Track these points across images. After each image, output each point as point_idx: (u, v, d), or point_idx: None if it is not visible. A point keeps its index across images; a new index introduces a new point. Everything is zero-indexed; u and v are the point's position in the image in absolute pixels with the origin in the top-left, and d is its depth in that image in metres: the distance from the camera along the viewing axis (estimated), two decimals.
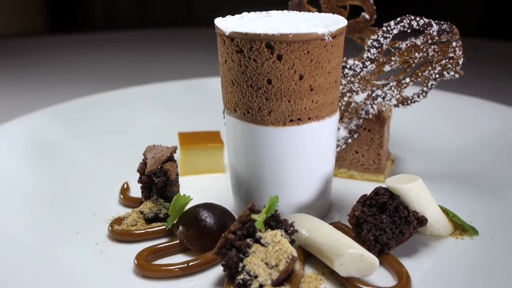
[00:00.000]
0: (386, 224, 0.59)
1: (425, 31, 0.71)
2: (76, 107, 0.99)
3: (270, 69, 0.58)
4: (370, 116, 0.77)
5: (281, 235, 0.53)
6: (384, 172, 0.81)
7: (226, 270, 0.53)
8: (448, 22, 0.69)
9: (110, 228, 0.65)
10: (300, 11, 0.79)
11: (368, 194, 0.63)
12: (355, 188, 0.78)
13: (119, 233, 0.64)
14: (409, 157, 0.90)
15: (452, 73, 0.71)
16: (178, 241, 0.61)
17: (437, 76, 0.72)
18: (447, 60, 0.71)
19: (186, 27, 2.24)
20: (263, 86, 0.59)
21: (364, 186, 0.79)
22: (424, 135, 0.96)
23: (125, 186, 0.76)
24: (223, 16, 0.66)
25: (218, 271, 0.58)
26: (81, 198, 0.75)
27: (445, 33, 0.70)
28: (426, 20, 0.70)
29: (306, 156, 0.64)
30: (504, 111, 0.98)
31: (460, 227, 0.66)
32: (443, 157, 0.89)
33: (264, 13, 0.69)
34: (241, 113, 0.63)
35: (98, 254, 0.61)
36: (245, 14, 0.69)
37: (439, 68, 0.72)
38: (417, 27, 0.71)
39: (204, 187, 0.78)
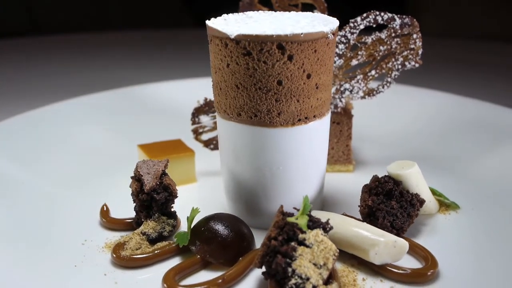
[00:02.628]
0: (396, 209, 0.63)
1: (389, 25, 0.75)
2: (12, 127, 0.88)
3: (281, 70, 0.58)
4: (339, 109, 0.80)
5: (322, 234, 0.53)
6: (352, 162, 0.85)
7: (268, 278, 0.52)
8: (409, 16, 0.75)
9: (114, 255, 0.59)
10: (251, 10, 0.79)
11: (369, 184, 0.66)
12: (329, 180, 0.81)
13: (130, 260, 0.58)
14: (361, 146, 0.95)
15: (413, 62, 0.77)
16: (198, 257, 0.58)
17: (399, 66, 0.77)
18: (408, 51, 0.76)
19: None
20: (273, 88, 0.59)
21: (333, 177, 0.82)
22: (370, 124, 1.02)
23: (105, 208, 0.70)
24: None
25: (253, 279, 0.56)
26: (59, 230, 0.66)
27: (406, 26, 0.75)
28: (390, 15, 0.75)
29: (312, 153, 0.64)
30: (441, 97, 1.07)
31: (444, 204, 0.72)
32: (393, 143, 0.96)
33: (241, 14, 0.68)
34: (247, 117, 0.61)
35: (114, 285, 0.56)
36: (225, 16, 0.67)
37: (402, 59, 0.77)
38: (382, 22, 0.75)
39: (185, 197, 0.75)
